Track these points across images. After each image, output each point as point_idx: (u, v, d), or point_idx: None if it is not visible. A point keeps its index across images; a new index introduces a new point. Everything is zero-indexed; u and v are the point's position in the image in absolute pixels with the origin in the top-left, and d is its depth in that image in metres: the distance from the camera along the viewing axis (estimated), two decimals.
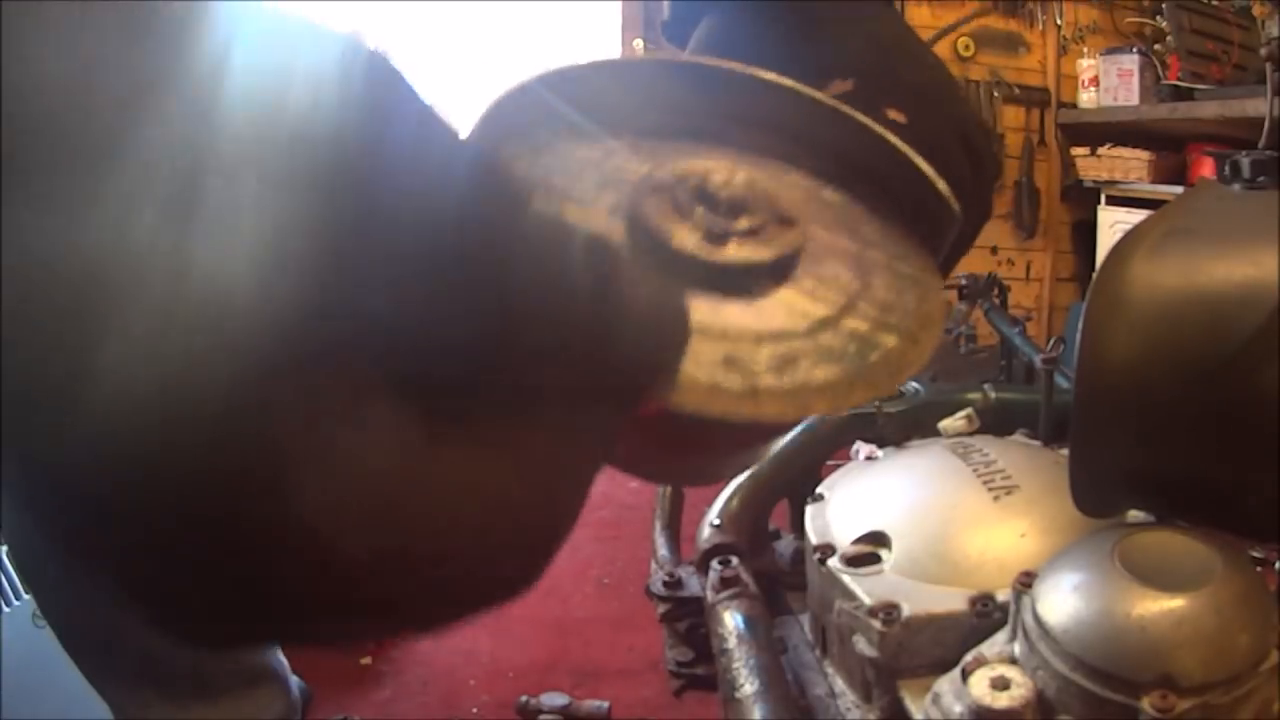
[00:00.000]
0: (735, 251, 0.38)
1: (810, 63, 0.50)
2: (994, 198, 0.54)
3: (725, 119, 0.44)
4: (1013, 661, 0.47)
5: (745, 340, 0.37)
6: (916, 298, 0.42)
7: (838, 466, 0.77)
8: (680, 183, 0.39)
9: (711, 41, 0.54)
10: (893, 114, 0.49)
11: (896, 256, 0.43)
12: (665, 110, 0.43)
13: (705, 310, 0.37)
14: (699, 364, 0.35)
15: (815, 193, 0.44)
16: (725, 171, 0.39)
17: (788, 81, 0.44)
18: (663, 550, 0.93)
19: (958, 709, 0.46)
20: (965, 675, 0.47)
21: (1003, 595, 0.52)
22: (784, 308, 0.39)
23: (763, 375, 0.36)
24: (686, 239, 0.37)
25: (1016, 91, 2.94)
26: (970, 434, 0.78)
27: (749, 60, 0.47)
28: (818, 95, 0.44)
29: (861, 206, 0.44)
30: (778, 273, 0.39)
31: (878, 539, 0.61)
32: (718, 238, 0.38)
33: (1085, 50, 2.93)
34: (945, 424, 0.80)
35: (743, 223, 0.39)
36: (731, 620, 0.68)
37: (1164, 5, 2.73)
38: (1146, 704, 0.41)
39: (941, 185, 0.43)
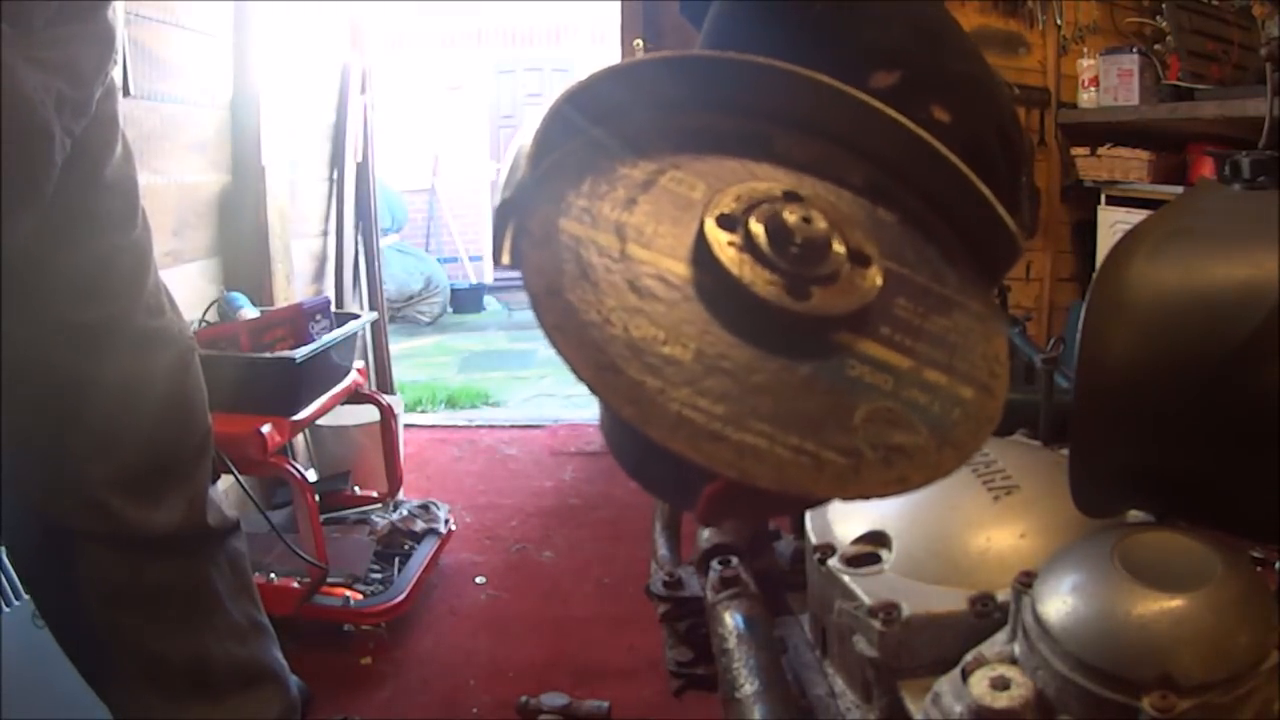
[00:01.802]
0: (819, 302, 0.36)
1: (853, 50, 0.48)
2: (1021, 189, 0.53)
3: (768, 120, 0.42)
4: (1013, 661, 0.47)
5: (837, 403, 0.35)
6: (982, 337, 0.40)
7: None
8: (747, 212, 0.37)
9: (732, 23, 0.52)
10: (938, 112, 0.48)
11: (960, 290, 0.41)
12: (706, 112, 0.41)
13: (789, 370, 0.35)
14: (794, 438, 0.33)
15: (872, 213, 0.42)
16: (796, 207, 0.37)
17: (840, 85, 0.42)
18: (663, 550, 0.93)
19: (958, 709, 0.46)
20: (965, 675, 0.47)
21: (1003, 595, 0.52)
22: (867, 363, 0.37)
23: (861, 444, 0.35)
24: (771, 291, 0.36)
25: (1016, 91, 2.93)
26: None
27: (781, 46, 0.45)
28: (873, 103, 0.42)
29: (919, 228, 0.42)
30: (858, 321, 0.38)
31: (878, 539, 0.61)
32: (800, 288, 0.36)
33: (1085, 50, 2.93)
34: None
35: (822, 267, 0.37)
36: (731, 620, 0.68)
37: (1164, 5, 2.73)
38: (1146, 704, 0.41)
39: (1012, 225, 0.42)
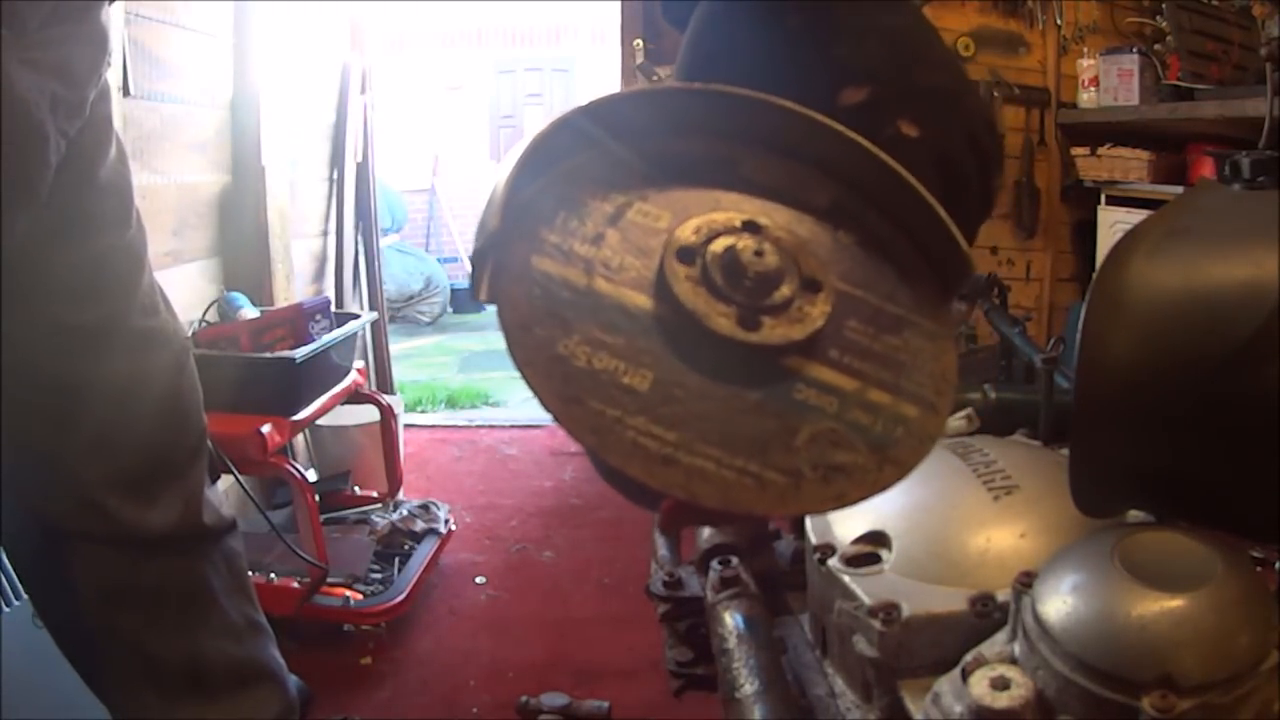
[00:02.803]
0: (770, 332, 0.38)
1: (824, 66, 0.49)
2: (995, 195, 0.54)
3: (742, 142, 0.44)
4: (1013, 661, 0.47)
5: (783, 426, 0.37)
6: (931, 356, 0.42)
7: None
8: (706, 244, 0.39)
9: (711, 35, 0.53)
10: (905, 127, 0.49)
11: (914, 309, 0.43)
12: (678, 136, 0.43)
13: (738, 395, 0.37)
14: (738, 459, 0.35)
15: (832, 236, 0.44)
16: (751, 240, 0.39)
17: (805, 111, 0.44)
18: (663, 550, 0.93)
19: (958, 709, 0.46)
20: (965, 675, 0.47)
21: (1003, 595, 0.52)
22: (814, 386, 0.39)
23: (802, 464, 0.36)
24: (722, 323, 0.38)
25: (1016, 91, 2.93)
26: (970, 434, 0.77)
27: (759, 62, 0.46)
28: (837, 128, 0.44)
29: (878, 249, 0.44)
30: (807, 347, 0.39)
31: (878, 539, 0.61)
32: (752, 319, 0.38)
33: (1085, 50, 2.93)
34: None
35: (774, 298, 0.39)
36: (731, 620, 0.68)
37: (1164, 5, 2.73)
38: (1146, 704, 0.41)
39: (964, 245, 0.43)
